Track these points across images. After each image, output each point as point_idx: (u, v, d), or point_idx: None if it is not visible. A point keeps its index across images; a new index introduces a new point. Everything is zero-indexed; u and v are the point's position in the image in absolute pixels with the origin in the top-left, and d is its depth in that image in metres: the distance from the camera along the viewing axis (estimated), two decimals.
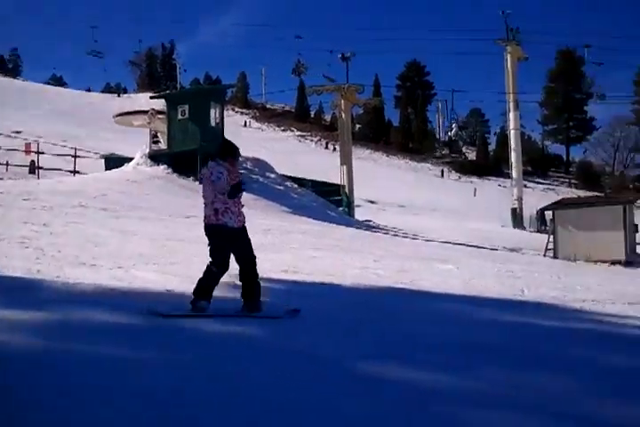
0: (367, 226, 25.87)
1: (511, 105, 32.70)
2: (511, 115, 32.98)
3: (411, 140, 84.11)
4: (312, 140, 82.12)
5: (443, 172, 72.45)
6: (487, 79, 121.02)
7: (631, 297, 10.15)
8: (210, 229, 5.91)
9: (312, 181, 32.69)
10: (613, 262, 18.68)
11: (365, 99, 37.50)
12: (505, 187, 50.30)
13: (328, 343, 5.12)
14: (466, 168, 73.45)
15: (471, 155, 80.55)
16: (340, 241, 15.16)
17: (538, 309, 7.94)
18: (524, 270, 13.58)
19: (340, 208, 29.58)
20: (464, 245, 20.89)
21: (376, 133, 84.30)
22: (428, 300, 8.11)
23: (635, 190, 68.34)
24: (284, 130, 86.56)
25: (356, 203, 31.92)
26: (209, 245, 5.91)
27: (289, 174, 30.45)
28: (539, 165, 77.25)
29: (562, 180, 76.67)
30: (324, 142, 78.86)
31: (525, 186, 46.99)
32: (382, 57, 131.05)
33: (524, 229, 32.62)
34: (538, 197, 44.79)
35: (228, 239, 5.83)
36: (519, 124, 34.45)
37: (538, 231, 30.62)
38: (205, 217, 5.96)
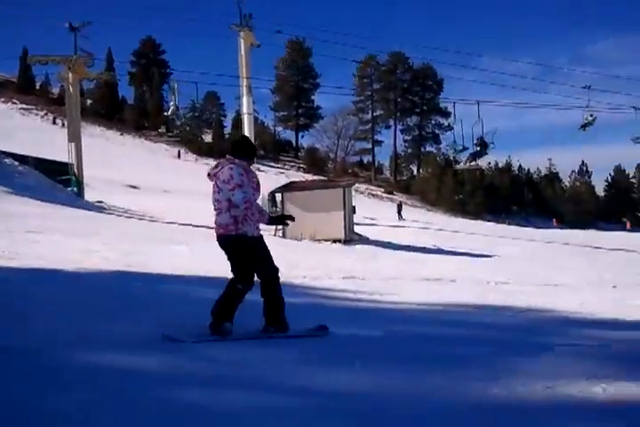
0: (99, 207, 24.83)
1: (244, 90, 33.53)
2: (244, 99, 33.81)
3: (146, 119, 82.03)
4: (37, 115, 75.73)
5: (179, 153, 72.05)
6: (225, 62, 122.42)
7: (346, 272, 11.27)
8: (229, 241, 5.11)
9: (37, 158, 30.32)
10: (335, 241, 20.41)
11: (97, 73, 35.55)
12: None
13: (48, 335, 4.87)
14: (203, 150, 73.94)
15: (207, 137, 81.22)
16: (67, 223, 14.34)
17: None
18: None
19: (69, 188, 27.90)
20: (201, 226, 21.11)
21: (109, 110, 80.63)
22: (157, 282, 8.10)
23: (353, 175, 75.19)
24: (4, 102, 78.41)
25: (87, 183, 30.30)
26: (229, 259, 5.16)
27: (9, 151, 27.90)
28: (271, 150, 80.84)
29: (292, 164, 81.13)
30: (51, 117, 73.31)
31: (258, 169, 48.84)
32: (116, 31, 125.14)
33: None
34: (270, 180, 46.81)
35: (249, 250, 5.11)
36: (252, 109, 35.45)
37: (270, 213, 32.06)
38: (221, 226, 5.12)
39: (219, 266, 10.19)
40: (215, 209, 5.19)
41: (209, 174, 5.30)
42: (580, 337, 5.87)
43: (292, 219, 5.48)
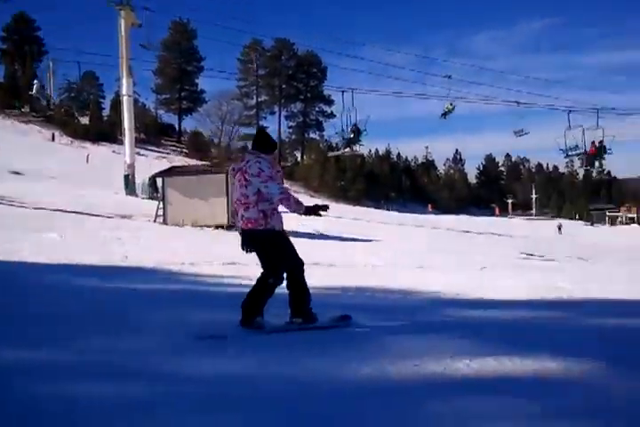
0: None
1: (124, 71, 32.42)
2: (124, 81, 32.71)
3: (18, 100, 76.95)
4: None
5: (54, 135, 68.35)
6: (106, 42, 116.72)
7: (227, 258, 11.19)
8: (258, 236, 5.05)
9: None
10: (217, 227, 20.19)
11: None
12: (119, 153, 49.85)
13: None
14: (79, 132, 70.53)
15: (85, 119, 77.55)
16: None
17: (138, 274, 8.21)
18: (132, 237, 13.84)
19: None
20: (75, 212, 20.23)
21: None
22: (28, 271, 7.72)
23: (236, 161, 74.79)
24: None
25: None
26: (259, 254, 5.12)
27: None
28: (152, 133, 78.49)
29: (174, 148, 79.22)
30: None
31: (139, 153, 47.36)
32: None
33: (136, 196, 32.91)
34: (151, 164, 45.53)
35: (277, 244, 5.08)
36: (132, 91, 34.34)
37: (150, 198, 31.21)
38: (249, 221, 5.04)
39: (92, 254, 9.89)
40: (242, 203, 5.11)
41: (233, 169, 5.26)
42: (447, 316, 6.20)
43: (326, 209, 5.41)
